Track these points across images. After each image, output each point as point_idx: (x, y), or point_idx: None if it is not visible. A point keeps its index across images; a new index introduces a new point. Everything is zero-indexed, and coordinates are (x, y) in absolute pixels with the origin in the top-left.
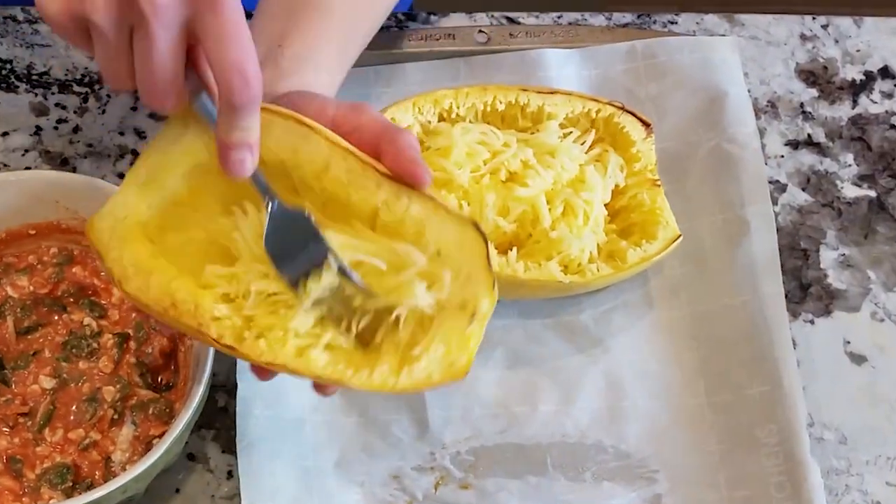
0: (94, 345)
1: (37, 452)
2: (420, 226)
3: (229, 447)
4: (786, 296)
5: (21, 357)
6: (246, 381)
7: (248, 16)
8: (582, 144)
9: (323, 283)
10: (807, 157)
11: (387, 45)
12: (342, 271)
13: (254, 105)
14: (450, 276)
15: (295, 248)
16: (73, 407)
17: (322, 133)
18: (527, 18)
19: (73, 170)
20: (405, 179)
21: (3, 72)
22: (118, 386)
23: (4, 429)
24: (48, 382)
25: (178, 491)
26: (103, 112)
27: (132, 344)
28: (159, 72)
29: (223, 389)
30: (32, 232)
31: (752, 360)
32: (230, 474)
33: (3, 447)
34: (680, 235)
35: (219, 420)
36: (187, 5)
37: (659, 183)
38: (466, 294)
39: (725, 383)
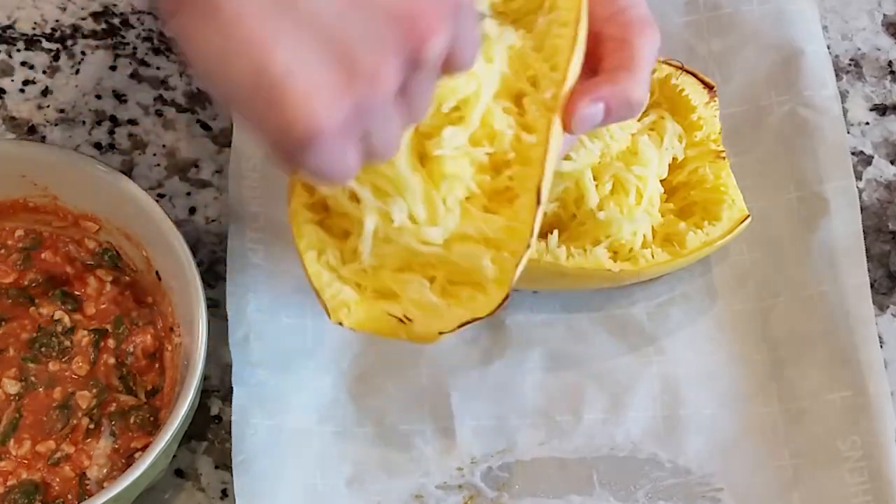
0: (67, 343)
1: (0, 468)
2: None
3: (224, 462)
4: (871, 286)
5: None
6: (243, 385)
7: None
8: None
9: None
10: None
11: None
12: None
13: None
14: None
15: None
16: (43, 415)
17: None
18: None
19: (43, 139)
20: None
21: None
22: (94, 391)
23: None
24: (13, 386)
25: None
26: (77, 72)
27: (111, 342)
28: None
29: (216, 395)
30: None
31: (832, 362)
32: (225, 493)
33: None
34: (748, 216)
35: (212, 431)
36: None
37: (724, 155)
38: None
39: (801, 389)
